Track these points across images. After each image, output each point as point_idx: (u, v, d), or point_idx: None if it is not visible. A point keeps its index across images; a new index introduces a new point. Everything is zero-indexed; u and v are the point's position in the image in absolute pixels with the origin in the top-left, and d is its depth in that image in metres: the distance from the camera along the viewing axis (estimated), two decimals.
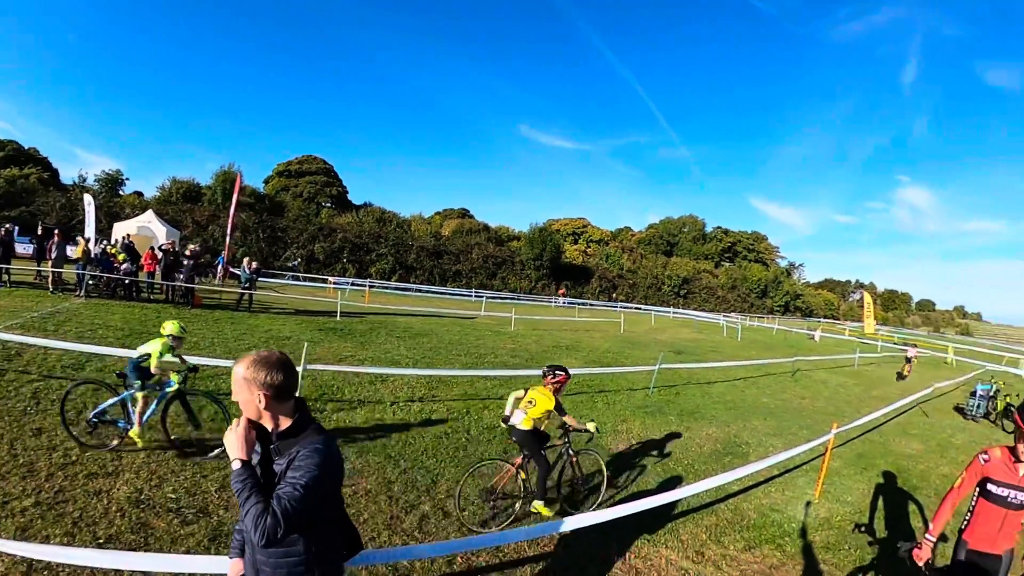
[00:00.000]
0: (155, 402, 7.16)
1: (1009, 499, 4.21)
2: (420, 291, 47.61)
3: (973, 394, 17.21)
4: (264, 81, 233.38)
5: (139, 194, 59.24)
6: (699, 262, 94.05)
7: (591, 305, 56.78)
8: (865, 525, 8.08)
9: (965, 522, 4.60)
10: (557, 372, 7.15)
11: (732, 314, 61.81)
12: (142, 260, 22.23)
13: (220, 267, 31.66)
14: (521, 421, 6.63)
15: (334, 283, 38.53)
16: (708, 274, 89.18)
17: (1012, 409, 16.34)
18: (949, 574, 4.71)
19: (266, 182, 77.54)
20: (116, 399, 7.04)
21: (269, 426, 2.47)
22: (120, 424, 7.03)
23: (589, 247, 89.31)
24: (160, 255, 21.90)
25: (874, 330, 52.71)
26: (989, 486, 4.29)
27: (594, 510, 6.74)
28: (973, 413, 16.94)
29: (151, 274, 21.97)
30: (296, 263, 48.98)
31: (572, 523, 5.21)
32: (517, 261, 65.69)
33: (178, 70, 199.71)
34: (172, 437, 7.18)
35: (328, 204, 76.94)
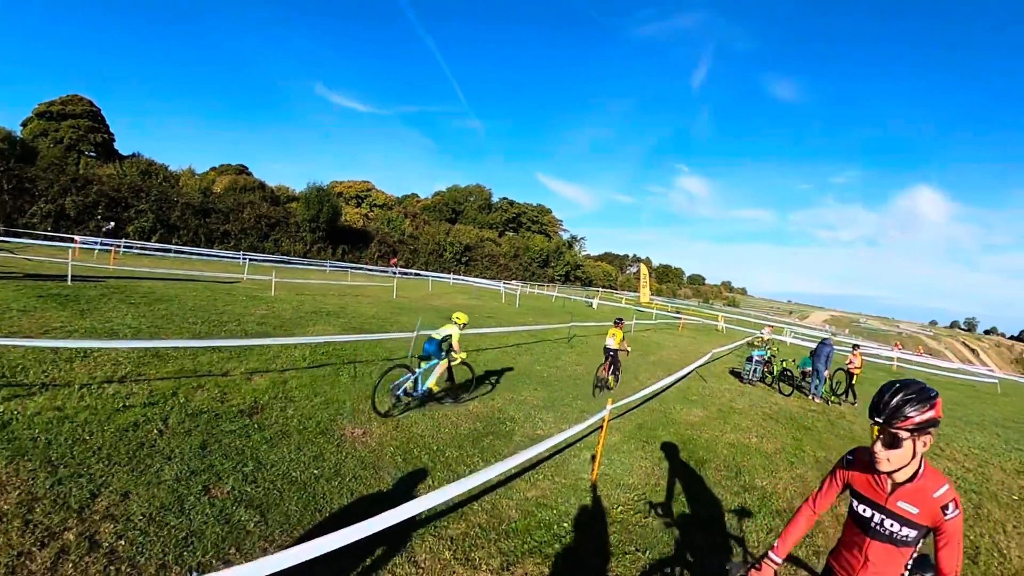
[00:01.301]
0: (439, 369, 9.98)
1: (873, 524, 2.92)
2: (182, 253, 42.57)
3: (750, 359, 17.74)
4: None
5: None
6: (483, 231, 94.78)
7: (368, 270, 54.13)
8: (661, 505, 6.78)
9: (838, 539, 3.27)
10: (620, 321, 14.48)
11: (513, 282, 62.50)
12: None
13: None
14: (613, 344, 13.50)
15: (81, 243, 32.44)
16: (491, 243, 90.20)
17: (789, 373, 16.85)
18: None
19: (24, 125, 65.02)
20: (412, 376, 9.62)
21: None
22: (414, 394, 9.63)
23: (372, 211, 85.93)
24: None
25: (649, 300, 56.08)
26: (852, 499, 3.11)
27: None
28: (749, 377, 17.46)
29: None
30: (107, 225, 44.47)
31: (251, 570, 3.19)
32: (292, 222, 60.75)
33: None
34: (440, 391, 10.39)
35: (91, 153, 65.96)
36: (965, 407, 20.13)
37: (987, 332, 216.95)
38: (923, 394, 2.64)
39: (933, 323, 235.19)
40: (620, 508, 6.75)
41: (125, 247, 38.12)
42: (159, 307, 15.35)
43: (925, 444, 2.68)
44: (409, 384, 9.56)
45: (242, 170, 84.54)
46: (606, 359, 13.62)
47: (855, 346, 17.67)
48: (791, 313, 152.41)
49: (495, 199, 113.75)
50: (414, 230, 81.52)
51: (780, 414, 13.51)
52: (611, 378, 13.77)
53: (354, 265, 55.34)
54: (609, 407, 7.47)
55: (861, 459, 3.00)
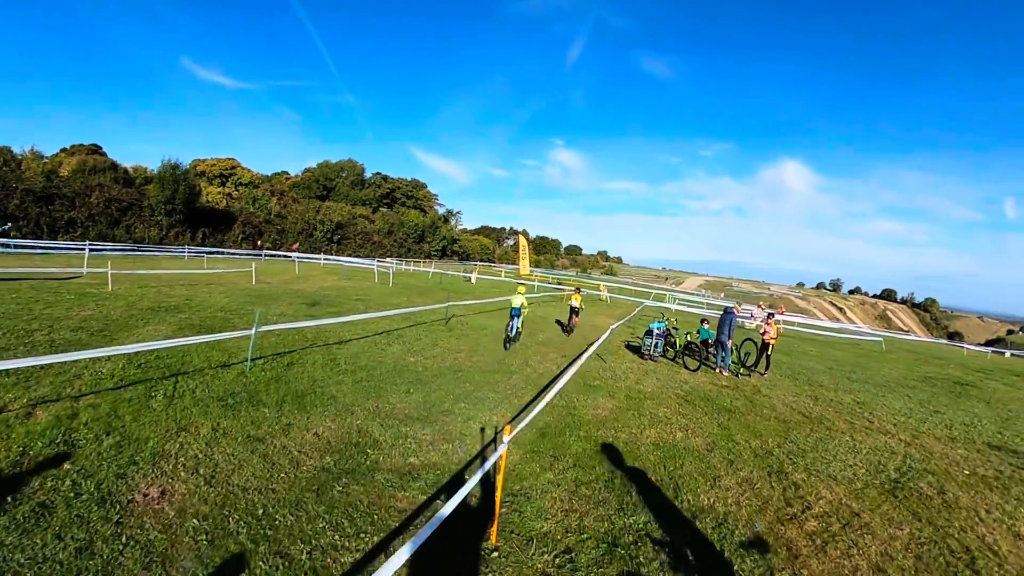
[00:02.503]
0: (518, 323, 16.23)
1: None
2: (22, 247, 35.49)
3: (649, 333, 15.99)
4: None
5: None
6: (356, 207, 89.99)
7: (231, 254, 49.12)
8: (594, 565, 4.63)
9: None
10: (578, 289, 20.48)
11: (388, 259, 59.22)
12: None
13: None
14: (576, 304, 19.40)
15: None
16: (365, 219, 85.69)
17: (695, 346, 15.24)
18: None
19: None
20: (511, 324, 15.84)
21: None
22: (518, 336, 16.47)
23: (238, 190, 79.04)
24: None
25: (529, 271, 54.59)
26: None
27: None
28: (651, 352, 15.73)
29: None
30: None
31: None
32: (146, 206, 53.89)
33: None
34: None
35: None
36: (863, 368, 19.66)
37: (852, 292, 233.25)
38: None
39: (800, 284, 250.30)
40: None
41: None
42: None
43: None
44: (511, 331, 15.81)
45: (95, 149, 75.39)
46: (572, 313, 19.76)
47: (770, 314, 16.26)
48: (666, 279, 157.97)
49: (368, 174, 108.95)
50: (282, 209, 75.90)
51: (694, 395, 11.83)
52: (575, 324, 19.85)
53: (212, 249, 50.12)
54: (507, 439, 5.15)
55: None
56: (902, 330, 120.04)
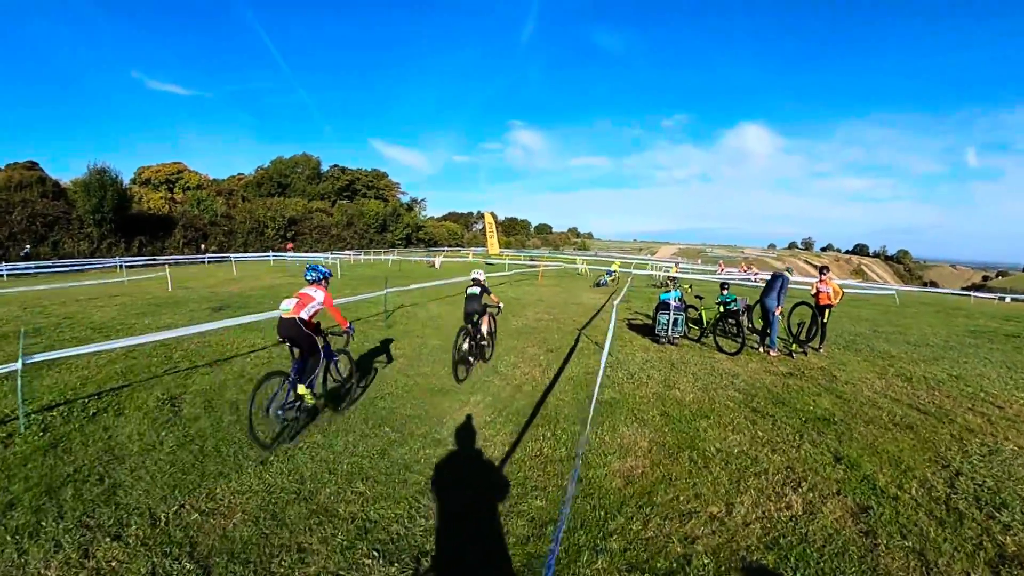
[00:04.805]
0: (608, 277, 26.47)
1: None
2: None
3: (664, 307, 11.45)
4: None
5: None
6: (313, 202, 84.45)
7: (170, 261, 43.77)
8: None
9: None
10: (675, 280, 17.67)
11: (347, 252, 54.38)
12: None
13: None
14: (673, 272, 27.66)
15: None
16: (322, 213, 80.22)
17: (732, 320, 10.98)
18: None
19: None
20: (605, 278, 26.49)
21: None
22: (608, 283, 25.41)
23: (184, 194, 73.17)
24: None
25: (498, 251, 50.59)
26: None
27: None
28: (669, 334, 11.28)
29: None
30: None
31: None
32: (75, 218, 48.04)
33: None
34: None
35: None
36: (904, 327, 15.90)
37: (824, 249, 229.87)
38: None
39: (772, 246, 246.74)
40: None
41: None
42: None
43: None
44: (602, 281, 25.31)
45: (31, 166, 68.85)
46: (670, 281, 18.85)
47: (823, 269, 11.85)
48: (640, 251, 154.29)
49: (325, 167, 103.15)
50: (229, 209, 70.18)
51: (757, 396, 7.63)
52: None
53: (148, 258, 44.74)
54: None
55: None
56: (877, 283, 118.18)
